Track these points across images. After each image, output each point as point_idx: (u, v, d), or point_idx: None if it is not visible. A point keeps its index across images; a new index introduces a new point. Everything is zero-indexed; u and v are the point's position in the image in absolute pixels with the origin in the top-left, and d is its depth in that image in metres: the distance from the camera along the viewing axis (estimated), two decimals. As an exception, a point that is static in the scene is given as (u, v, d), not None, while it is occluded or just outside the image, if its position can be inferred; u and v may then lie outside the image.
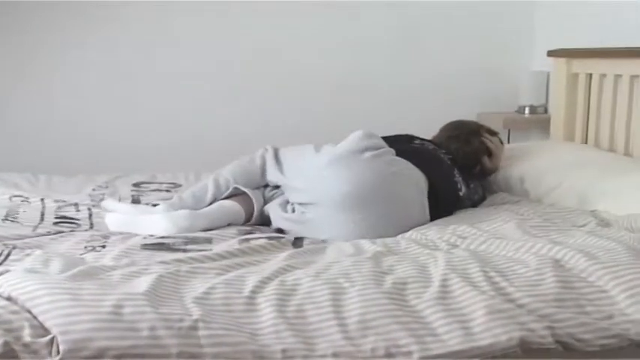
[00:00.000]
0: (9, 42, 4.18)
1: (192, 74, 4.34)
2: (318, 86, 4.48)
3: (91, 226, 2.75)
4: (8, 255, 2.25)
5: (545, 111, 4.54)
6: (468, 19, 4.66)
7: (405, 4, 4.56)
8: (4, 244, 2.37)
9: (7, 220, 2.73)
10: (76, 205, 2.99)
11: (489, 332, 1.83)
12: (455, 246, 2.46)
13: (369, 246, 2.45)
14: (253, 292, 1.93)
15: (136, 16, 4.28)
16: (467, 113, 4.24)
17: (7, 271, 2.01)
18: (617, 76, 3.78)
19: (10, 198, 3.01)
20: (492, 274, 2.09)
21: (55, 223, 2.74)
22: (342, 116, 4.39)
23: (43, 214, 2.83)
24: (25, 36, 4.19)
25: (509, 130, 4.55)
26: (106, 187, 3.35)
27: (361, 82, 4.56)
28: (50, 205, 2.94)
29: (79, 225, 2.75)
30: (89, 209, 2.94)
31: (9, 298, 1.81)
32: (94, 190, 3.29)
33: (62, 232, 2.63)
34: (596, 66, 3.92)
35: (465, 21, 4.66)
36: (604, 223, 2.76)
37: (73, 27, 4.24)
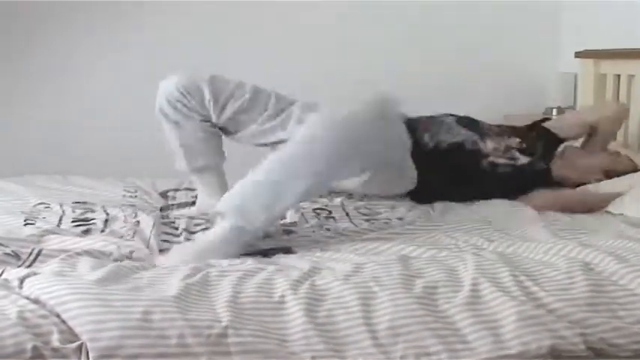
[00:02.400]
0: (35, 44, 4.20)
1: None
2: (336, 84, 4.45)
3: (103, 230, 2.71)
4: (37, 256, 2.25)
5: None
6: (494, 19, 4.65)
7: (432, 3, 4.55)
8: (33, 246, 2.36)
9: (28, 224, 2.70)
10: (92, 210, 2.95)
11: (519, 340, 1.81)
12: (482, 249, 2.43)
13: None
14: (283, 296, 1.91)
15: (151, 16, 4.30)
16: (494, 114, 4.23)
17: (35, 274, 1.99)
18: (646, 77, 3.76)
19: (33, 206, 2.97)
20: (522, 277, 2.07)
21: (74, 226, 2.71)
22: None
23: (61, 219, 2.79)
24: (57, 38, 4.22)
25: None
26: (135, 195, 3.29)
27: (386, 81, 4.53)
28: (68, 211, 2.90)
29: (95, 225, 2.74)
30: (106, 212, 2.90)
31: (37, 302, 1.80)
32: (123, 196, 3.26)
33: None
34: (624, 67, 3.90)
35: (491, 21, 4.65)
36: (634, 226, 2.74)
37: (100, 29, 4.26)
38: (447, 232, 2.65)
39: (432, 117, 3.39)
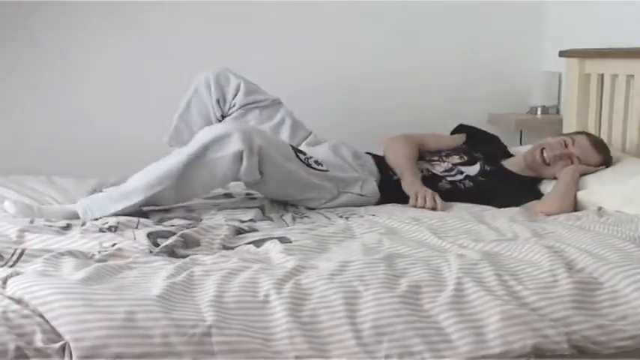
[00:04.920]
0: (35, 44, 4.21)
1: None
2: (328, 88, 4.46)
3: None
4: (20, 255, 2.24)
5: (558, 112, 4.52)
6: (477, 18, 4.65)
7: (414, 3, 4.55)
8: (16, 246, 2.36)
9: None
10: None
11: (503, 339, 1.82)
12: (464, 247, 2.43)
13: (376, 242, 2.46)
14: (267, 295, 1.92)
15: (156, 16, 4.30)
16: (478, 114, 4.25)
17: (18, 274, 1.99)
18: (630, 77, 3.76)
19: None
20: (506, 277, 2.08)
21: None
22: (352, 117, 4.38)
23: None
24: (52, 36, 4.22)
25: (521, 131, 4.53)
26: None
27: (369, 83, 4.54)
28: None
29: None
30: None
31: (20, 302, 1.80)
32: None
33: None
34: (608, 66, 3.91)
35: (475, 20, 4.64)
36: (610, 221, 2.78)
37: (99, 28, 4.26)
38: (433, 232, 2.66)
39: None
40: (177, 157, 2.89)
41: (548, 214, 3.02)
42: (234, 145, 2.84)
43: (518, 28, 4.71)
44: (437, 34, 4.62)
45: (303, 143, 3.53)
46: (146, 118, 4.23)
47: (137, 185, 2.87)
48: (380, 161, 3.49)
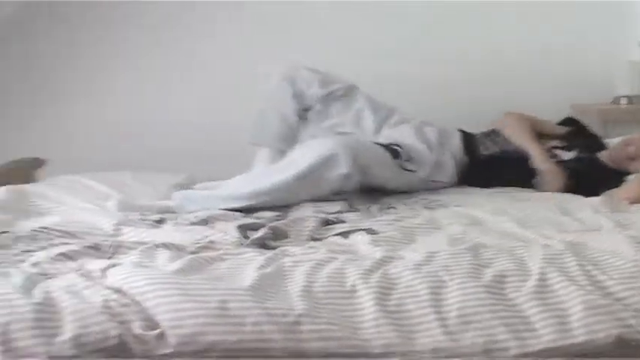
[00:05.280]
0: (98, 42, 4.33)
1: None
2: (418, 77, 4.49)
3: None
4: (117, 248, 2.34)
5: (644, 101, 4.49)
6: (561, 7, 4.61)
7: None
8: (112, 239, 2.46)
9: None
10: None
11: (586, 329, 1.84)
12: (548, 238, 2.45)
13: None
14: (354, 285, 1.97)
15: (231, 15, 4.38)
16: (561, 104, 4.23)
17: (116, 265, 2.08)
18: None
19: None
20: (590, 267, 2.10)
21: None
22: (443, 106, 4.40)
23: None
24: (118, 35, 4.33)
25: (605, 123, 4.49)
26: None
27: (458, 72, 4.55)
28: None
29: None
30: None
31: (119, 291, 1.88)
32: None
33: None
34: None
35: (558, 10, 4.61)
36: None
37: (177, 27, 4.37)
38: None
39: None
40: (285, 172, 2.98)
41: (630, 200, 3.03)
42: (342, 167, 2.97)
43: (602, 17, 4.66)
44: (521, 24, 4.61)
45: (386, 126, 3.61)
46: (233, 114, 4.32)
47: (245, 192, 2.94)
48: (469, 139, 3.59)
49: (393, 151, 3.26)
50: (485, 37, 4.60)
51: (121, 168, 3.67)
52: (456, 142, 3.55)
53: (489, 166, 3.48)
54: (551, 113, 3.88)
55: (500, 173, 3.41)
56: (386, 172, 3.18)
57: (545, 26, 4.62)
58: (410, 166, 3.27)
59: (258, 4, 4.41)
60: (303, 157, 3.02)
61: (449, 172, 3.42)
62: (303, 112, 3.58)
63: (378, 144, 3.28)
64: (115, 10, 4.37)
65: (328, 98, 3.57)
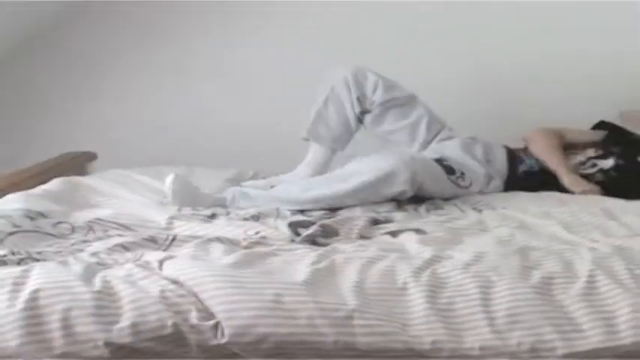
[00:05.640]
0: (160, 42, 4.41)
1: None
2: (462, 84, 4.53)
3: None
4: (173, 241, 2.41)
5: (692, 108, 4.46)
6: (609, 11, 4.60)
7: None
8: (166, 233, 2.52)
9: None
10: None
11: (634, 330, 1.86)
12: (595, 242, 2.47)
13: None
14: (406, 282, 2.00)
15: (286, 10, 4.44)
16: (609, 111, 4.20)
17: (172, 257, 2.14)
18: None
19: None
20: (638, 271, 2.11)
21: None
22: (491, 112, 4.42)
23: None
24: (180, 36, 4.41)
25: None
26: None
27: (506, 78, 4.57)
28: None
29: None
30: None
31: (176, 282, 1.93)
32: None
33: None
34: None
35: (606, 14, 4.59)
36: None
37: (231, 26, 4.45)
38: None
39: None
40: (347, 182, 3.04)
41: None
42: (400, 185, 3.02)
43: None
44: (572, 29, 4.60)
45: (435, 140, 3.62)
46: (280, 111, 4.38)
47: (306, 198, 3.00)
48: (512, 155, 3.58)
49: (448, 167, 3.29)
50: (530, 43, 4.60)
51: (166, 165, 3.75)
52: (502, 158, 3.57)
53: (528, 181, 3.49)
54: (599, 120, 3.87)
55: (537, 190, 3.40)
56: (439, 188, 3.22)
57: (592, 30, 4.61)
58: (463, 183, 3.30)
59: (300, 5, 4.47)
60: (367, 169, 3.07)
61: (496, 187, 3.44)
62: (362, 115, 3.59)
63: (435, 160, 3.32)
64: (155, 9, 4.43)
65: (388, 105, 3.58)
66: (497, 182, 3.45)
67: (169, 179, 2.99)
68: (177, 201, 2.96)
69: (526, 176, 3.50)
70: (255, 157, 4.20)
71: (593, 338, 1.85)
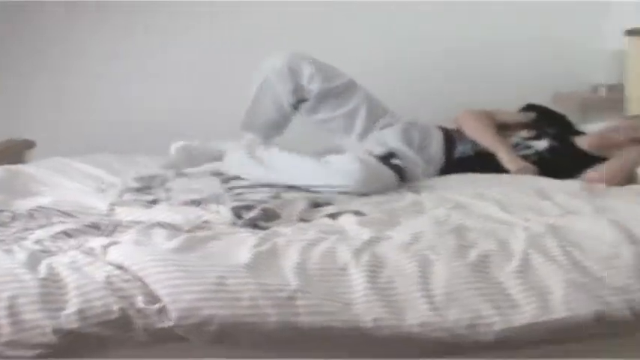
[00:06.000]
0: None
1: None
2: (395, 68, 4.58)
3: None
4: (116, 227, 2.41)
5: (622, 90, 4.56)
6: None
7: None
8: (109, 219, 2.53)
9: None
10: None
11: (567, 305, 1.94)
12: (529, 221, 2.53)
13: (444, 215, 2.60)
14: (346, 263, 2.05)
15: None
16: (543, 93, 4.29)
17: (116, 242, 2.16)
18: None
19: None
20: (570, 248, 2.19)
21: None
22: (422, 96, 4.47)
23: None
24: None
25: (584, 111, 4.57)
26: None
27: (437, 63, 4.64)
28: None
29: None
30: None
31: (120, 267, 1.96)
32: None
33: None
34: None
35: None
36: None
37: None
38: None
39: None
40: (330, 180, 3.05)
41: (596, 181, 3.16)
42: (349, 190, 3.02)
43: (582, 6, 4.74)
44: (503, 14, 4.67)
45: (376, 128, 3.63)
46: (218, 101, 4.39)
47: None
48: (449, 140, 3.59)
49: (401, 172, 3.26)
50: (467, 29, 4.66)
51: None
52: (438, 145, 3.56)
53: (463, 167, 3.46)
54: (534, 102, 3.92)
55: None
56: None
57: (528, 17, 4.69)
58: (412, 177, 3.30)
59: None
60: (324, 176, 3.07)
61: (431, 174, 3.43)
62: (297, 104, 3.60)
63: (385, 156, 3.29)
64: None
65: (325, 94, 3.58)
66: (431, 170, 3.45)
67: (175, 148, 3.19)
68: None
69: (460, 162, 3.51)
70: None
71: (528, 313, 1.93)
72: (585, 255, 2.15)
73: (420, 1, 4.59)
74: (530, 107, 3.88)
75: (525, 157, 3.47)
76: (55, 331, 1.78)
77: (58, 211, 2.62)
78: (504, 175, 3.34)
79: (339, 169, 3.06)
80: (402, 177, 3.22)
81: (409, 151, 3.44)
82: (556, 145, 3.53)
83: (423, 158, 3.45)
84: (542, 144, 3.54)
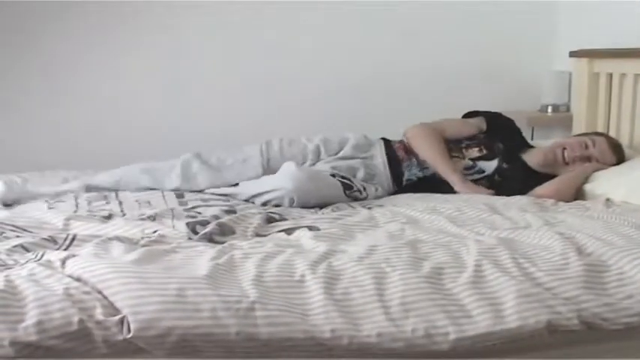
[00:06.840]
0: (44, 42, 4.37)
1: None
2: (337, 91, 4.67)
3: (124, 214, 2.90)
4: (72, 240, 2.43)
5: (568, 109, 4.67)
6: (491, 17, 4.78)
7: (424, 3, 4.70)
8: (67, 232, 2.54)
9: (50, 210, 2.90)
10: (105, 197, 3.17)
11: (519, 315, 1.99)
12: (481, 234, 2.59)
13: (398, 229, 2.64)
14: (303, 275, 2.09)
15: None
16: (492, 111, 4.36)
17: (74, 256, 2.17)
18: (637, 76, 3.93)
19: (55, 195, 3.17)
20: (521, 260, 2.24)
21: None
22: (365, 118, 4.54)
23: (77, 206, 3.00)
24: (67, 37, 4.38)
25: (532, 128, 4.68)
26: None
27: (380, 83, 4.72)
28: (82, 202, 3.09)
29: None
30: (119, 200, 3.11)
31: (79, 279, 1.97)
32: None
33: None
34: (617, 66, 4.07)
35: (487, 20, 4.78)
36: (617, 211, 2.98)
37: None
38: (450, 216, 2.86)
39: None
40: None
41: (546, 197, 3.23)
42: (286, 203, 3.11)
43: (530, 28, 4.84)
44: (449, 34, 4.76)
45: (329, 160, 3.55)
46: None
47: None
48: (395, 168, 3.55)
49: (347, 184, 3.30)
50: (419, 46, 4.74)
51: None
52: (385, 175, 3.54)
53: (414, 190, 3.45)
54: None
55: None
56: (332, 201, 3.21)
57: (479, 37, 4.78)
58: (360, 196, 3.32)
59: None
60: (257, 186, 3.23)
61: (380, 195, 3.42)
62: None
63: (334, 175, 3.32)
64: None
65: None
66: (380, 192, 3.43)
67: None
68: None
69: (409, 187, 3.49)
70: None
71: (482, 323, 1.97)
72: (536, 266, 2.20)
73: (360, 21, 4.69)
74: (474, 114, 3.87)
75: (476, 182, 3.49)
76: (13, 344, 1.77)
77: (13, 225, 2.62)
78: (454, 195, 3.37)
79: (279, 174, 3.21)
80: (349, 190, 3.26)
81: (354, 179, 3.42)
82: (506, 167, 3.56)
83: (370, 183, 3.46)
84: (492, 165, 3.55)
